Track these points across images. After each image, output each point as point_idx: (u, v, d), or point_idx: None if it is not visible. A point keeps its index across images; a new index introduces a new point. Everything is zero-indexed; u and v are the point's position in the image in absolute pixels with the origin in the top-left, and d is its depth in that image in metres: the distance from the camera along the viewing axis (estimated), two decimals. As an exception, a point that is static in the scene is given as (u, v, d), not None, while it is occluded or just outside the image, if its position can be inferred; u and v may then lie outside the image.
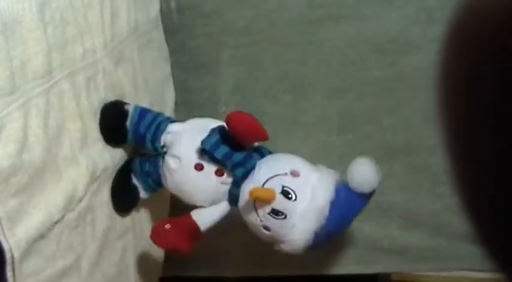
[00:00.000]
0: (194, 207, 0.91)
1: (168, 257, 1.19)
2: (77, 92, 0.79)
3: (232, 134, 0.83)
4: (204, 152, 0.85)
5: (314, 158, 1.19)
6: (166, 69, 1.17)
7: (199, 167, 0.86)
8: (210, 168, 0.86)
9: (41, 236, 0.70)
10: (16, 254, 0.65)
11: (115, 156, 0.91)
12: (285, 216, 0.80)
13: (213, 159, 0.85)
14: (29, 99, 0.68)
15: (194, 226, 0.88)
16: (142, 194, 0.97)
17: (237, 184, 0.86)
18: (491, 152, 0.25)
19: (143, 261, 1.05)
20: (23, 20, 0.66)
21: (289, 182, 0.81)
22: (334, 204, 0.81)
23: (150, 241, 1.08)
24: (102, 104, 0.87)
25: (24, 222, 0.67)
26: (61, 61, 0.74)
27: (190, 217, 0.88)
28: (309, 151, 1.19)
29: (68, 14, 0.76)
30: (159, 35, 1.13)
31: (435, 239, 1.19)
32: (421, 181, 1.17)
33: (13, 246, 0.65)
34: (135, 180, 0.96)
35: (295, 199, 0.80)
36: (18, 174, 0.65)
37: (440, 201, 1.16)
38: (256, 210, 0.82)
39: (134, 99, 0.96)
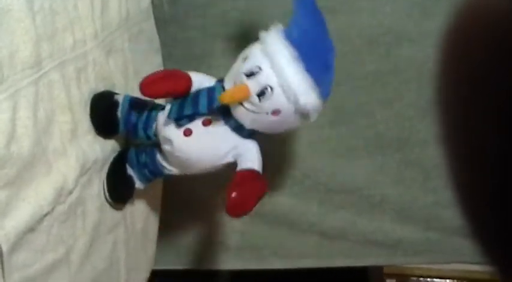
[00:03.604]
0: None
1: (160, 250, 1.18)
2: (67, 82, 0.78)
3: (154, 97, 0.88)
4: (177, 120, 0.84)
5: (307, 151, 1.19)
6: (158, 60, 1.16)
7: (187, 132, 0.84)
8: (196, 125, 0.84)
9: (31, 229, 0.69)
10: (5, 248, 0.64)
11: (105, 148, 0.90)
12: (271, 89, 0.78)
13: (189, 118, 0.84)
14: (18, 90, 0.66)
15: (250, 173, 0.85)
16: (138, 185, 0.96)
17: (227, 116, 0.84)
18: (493, 149, 0.25)
19: (134, 255, 1.04)
20: (11, 9, 0.65)
21: (245, 65, 0.80)
22: (294, 42, 0.78)
23: (142, 234, 1.08)
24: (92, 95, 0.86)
25: (13, 215, 0.66)
26: (50, 51, 0.73)
27: (240, 171, 0.85)
28: (301, 144, 1.19)
29: (57, 3, 0.75)
30: (150, 26, 1.12)
31: (427, 233, 1.19)
32: (413, 175, 1.18)
33: (1, 240, 0.64)
34: (130, 171, 0.95)
35: (261, 69, 0.78)
36: (6, 167, 0.64)
37: (432, 195, 1.16)
38: (251, 111, 0.80)
39: (125, 91, 0.96)
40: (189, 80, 0.87)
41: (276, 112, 0.79)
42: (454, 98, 0.27)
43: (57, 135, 0.76)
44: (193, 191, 1.19)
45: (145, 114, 0.90)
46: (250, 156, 0.86)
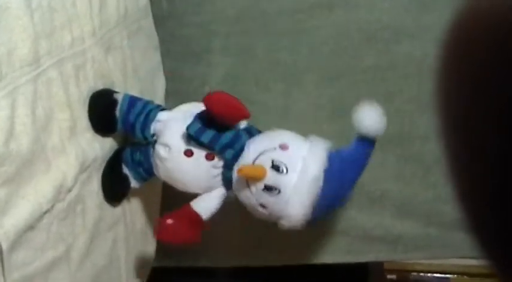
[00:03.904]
0: (190, 195, 0.90)
1: (160, 247, 1.18)
2: (66, 80, 0.78)
3: (212, 115, 0.83)
4: (191, 137, 0.84)
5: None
6: (156, 57, 1.16)
7: (189, 153, 0.85)
8: (199, 153, 0.85)
9: (30, 227, 0.69)
10: (4, 246, 0.64)
11: (105, 146, 0.90)
12: (279, 191, 0.78)
13: (200, 144, 0.84)
14: (16, 87, 0.66)
15: (196, 216, 0.87)
16: (133, 184, 0.96)
17: (228, 167, 0.84)
18: (493, 149, 0.25)
19: (134, 252, 1.04)
20: (9, 7, 0.65)
21: (279, 156, 0.80)
22: (328, 173, 0.79)
23: (141, 232, 1.08)
24: (91, 93, 0.86)
25: (13, 213, 0.66)
26: (49, 49, 0.73)
27: (190, 207, 0.87)
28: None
29: (55, 1, 0.75)
30: (148, 24, 1.12)
31: (427, 228, 1.19)
32: (413, 170, 1.17)
33: (1, 238, 0.64)
34: (125, 170, 0.95)
35: (287, 172, 0.78)
36: (5, 164, 0.64)
37: (432, 190, 1.16)
38: (250, 189, 0.81)
39: (124, 88, 0.96)
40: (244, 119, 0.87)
41: (264, 206, 0.81)
42: (455, 98, 0.27)
43: (56, 132, 0.76)
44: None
45: (143, 114, 0.90)
46: (212, 203, 0.88)
